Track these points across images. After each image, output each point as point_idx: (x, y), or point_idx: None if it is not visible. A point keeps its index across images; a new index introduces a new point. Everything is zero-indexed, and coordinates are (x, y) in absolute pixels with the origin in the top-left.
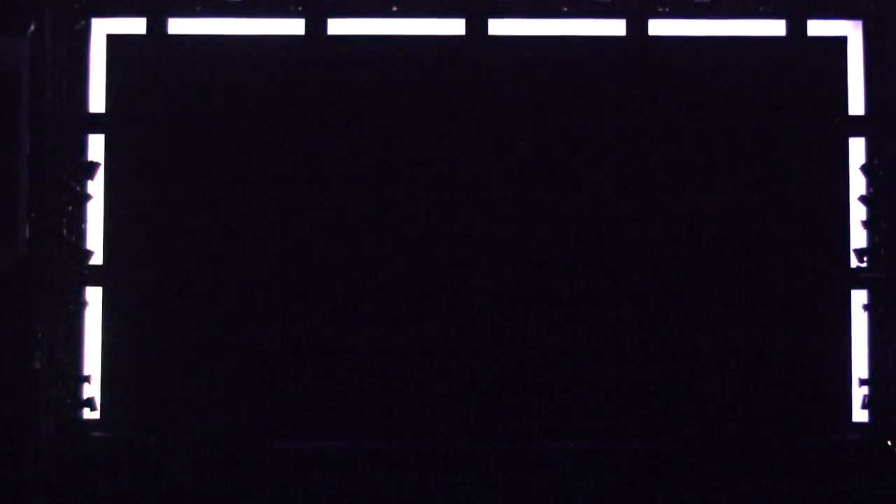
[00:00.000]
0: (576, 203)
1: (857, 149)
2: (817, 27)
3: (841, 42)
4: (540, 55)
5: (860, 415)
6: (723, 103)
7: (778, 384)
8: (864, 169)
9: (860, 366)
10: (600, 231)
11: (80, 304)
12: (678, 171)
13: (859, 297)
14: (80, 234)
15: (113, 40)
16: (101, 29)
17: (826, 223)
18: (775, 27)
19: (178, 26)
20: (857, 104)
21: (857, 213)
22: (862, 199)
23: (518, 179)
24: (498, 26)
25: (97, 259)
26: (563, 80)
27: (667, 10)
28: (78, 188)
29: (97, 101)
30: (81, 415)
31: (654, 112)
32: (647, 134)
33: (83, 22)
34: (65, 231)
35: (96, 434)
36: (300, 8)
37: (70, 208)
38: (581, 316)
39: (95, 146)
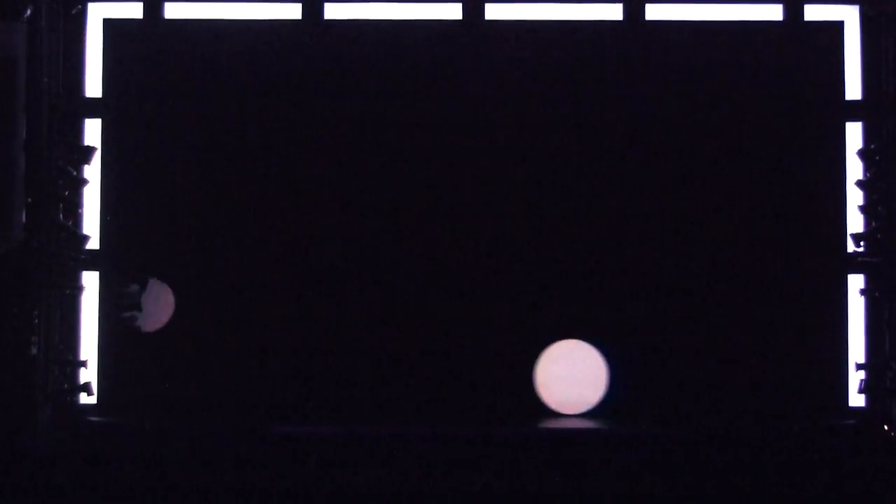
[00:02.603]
0: (573, 189)
1: (854, 134)
2: (814, 12)
3: (838, 27)
4: (536, 40)
5: (857, 399)
6: (719, 88)
7: (775, 369)
8: (861, 154)
9: (857, 350)
10: (598, 217)
11: (77, 289)
12: (674, 156)
13: (856, 282)
14: (77, 219)
15: (109, 24)
16: (98, 13)
17: (823, 208)
18: (772, 12)
19: (174, 10)
20: (853, 89)
21: (854, 197)
22: (859, 183)
23: (514, 166)
24: (495, 10)
25: (94, 244)
26: (560, 64)
27: None
28: (74, 173)
29: (94, 86)
30: (78, 400)
31: (649, 96)
32: (643, 118)
33: (79, 6)
34: (61, 216)
35: (93, 419)
36: None
37: (66, 193)
38: (582, 302)
39: (92, 131)
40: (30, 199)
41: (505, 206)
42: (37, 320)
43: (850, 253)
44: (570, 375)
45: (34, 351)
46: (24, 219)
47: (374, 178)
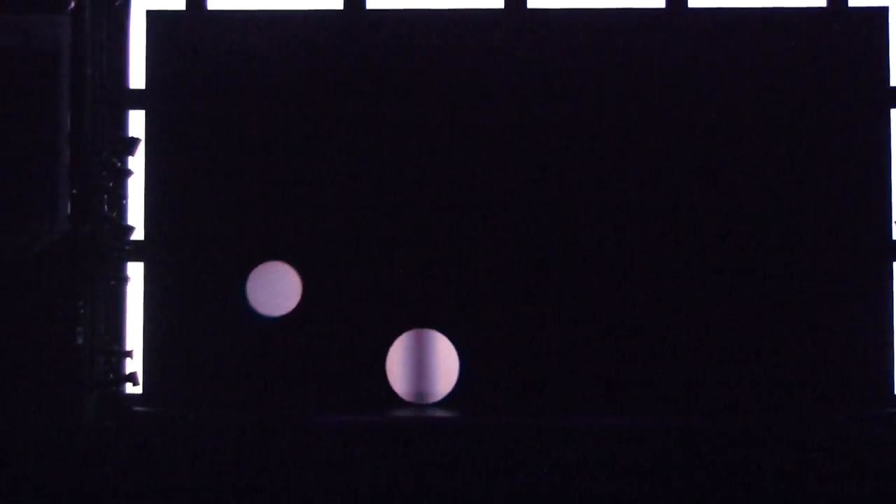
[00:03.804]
0: (619, 175)
1: None
2: None
3: (882, 13)
4: (578, 28)
5: None
6: (763, 75)
7: (819, 357)
8: None
9: None
10: (640, 203)
11: (122, 280)
12: (717, 144)
13: None
14: (121, 210)
15: (152, 16)
16: (141, 5)
17: (867, 195)
18: None
19: (217, 2)
20: None
21: None
22: None
23: (555, 153)
24: None
25: (138, 234)
26: (603, 52)
27: None
28: (118, 164)
29: (137, 77)
30: (124, 389)
31: (692, 83)
32: (686, 105)
33: None
34: (106, 207)
35: (139, 409)
36: None
37: (111, 184)
38: (620, 285)
39: (136, 122)
40: (74, 191)
41: (548, 195)
42: (82, 310)
43: (894, 240)
44: (425, 365)
45: (79, 341)
46: (68, 210)
47: (418, 169)
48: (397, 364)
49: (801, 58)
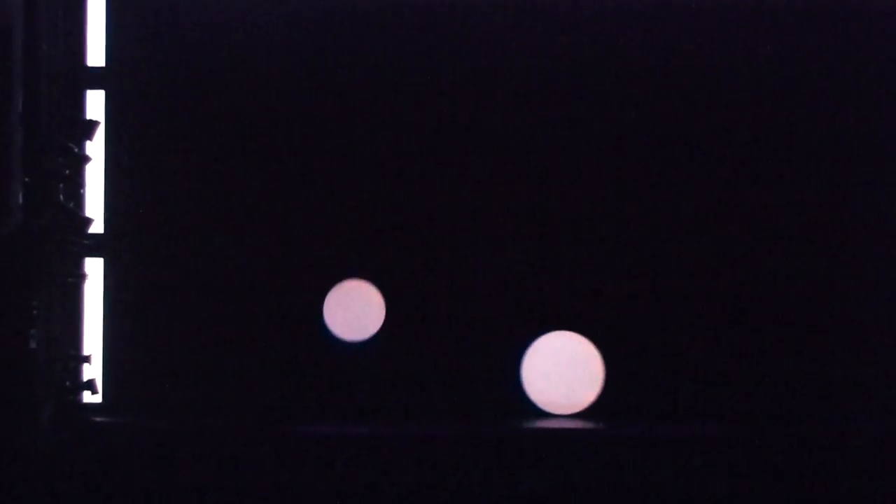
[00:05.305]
0: (617, 176)
1: None
2: None
3: None
4: (579, 15)
5: None
6: (774, 70)
7: (831, 365)
8: None
9: None
10: (639, 203)
11: (80, 277)
12: (723, 142)
13: None
14: (79, 200)
15: None
16: None
17: (886, 198)
18: None
19: None
20: None
21: None
22: None
23: (547, 145)
24: None
25: (97, 227)
26: (595, 42)
27: None
28: (76, 149)
29: (97, 55)
30: (82, 398)
31: (696, 77)
32: (690, 100)
33: None
34: (62, 197)
35: (98, 418)
36: None
37: (67, 172)
38: (634, 293)
39: (95, 103)
40: (27, 179)
41: (547, 191)
42: (36, 311)
43: None
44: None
45: (33, 345)
46: (21, 200)
47: (400, 157)
48: (534, 370)
49: (815, 52)
